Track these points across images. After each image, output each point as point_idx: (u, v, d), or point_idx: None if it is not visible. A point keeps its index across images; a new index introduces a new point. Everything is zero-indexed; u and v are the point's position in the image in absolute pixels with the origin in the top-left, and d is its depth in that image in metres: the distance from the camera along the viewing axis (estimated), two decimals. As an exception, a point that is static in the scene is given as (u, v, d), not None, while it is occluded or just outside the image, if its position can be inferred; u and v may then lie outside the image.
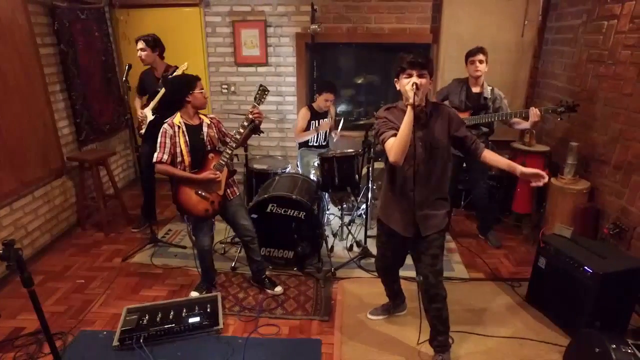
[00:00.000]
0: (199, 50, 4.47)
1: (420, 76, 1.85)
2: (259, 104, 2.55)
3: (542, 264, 2.63)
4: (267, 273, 2.95)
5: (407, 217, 2.07)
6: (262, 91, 2.56)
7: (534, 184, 1.90)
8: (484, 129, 3.25)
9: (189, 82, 2.50)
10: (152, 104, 3.36)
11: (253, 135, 2.73)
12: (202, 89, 2.55)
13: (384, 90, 4.79)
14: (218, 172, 2.55)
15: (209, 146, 2.58)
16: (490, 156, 2.02)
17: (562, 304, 2.49)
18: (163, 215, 4.09)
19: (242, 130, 2.55)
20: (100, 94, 4.06)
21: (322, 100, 3.67)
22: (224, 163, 2.55)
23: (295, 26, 4.33)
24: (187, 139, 2.51)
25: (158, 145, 2.49)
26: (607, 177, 3.06)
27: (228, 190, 2.67)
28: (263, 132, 3.62)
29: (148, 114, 3.39)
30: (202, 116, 2.63)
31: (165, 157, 2.48)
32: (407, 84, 1.84)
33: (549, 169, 3.54)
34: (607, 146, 3.06)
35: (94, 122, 3.99)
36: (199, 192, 2.56)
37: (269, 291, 2.86)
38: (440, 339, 2.21)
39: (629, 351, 1.83)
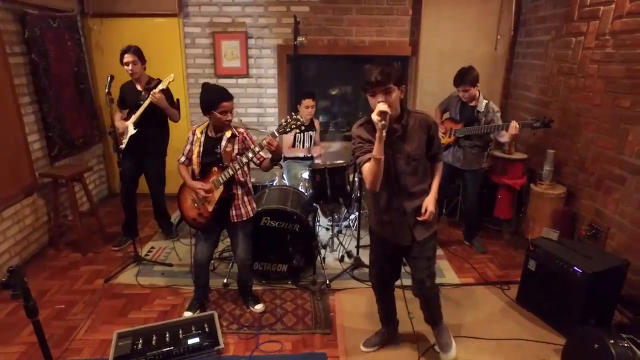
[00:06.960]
0: (178, 62, 4.35)
1: (385, 92, 1.81)
2: (280, 133, 2.38)
3: (532, 266, 2.75)
4: (260, 288, 2.88)
5: (400, 227, 2.07)
6: (295, 121, 2.33)
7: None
8: (478, 143, 3.31)
9: (212, 101, 2.40)
10: (134, 117, 3.23)
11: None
12: (227, 111, 2.42)
13: (365, 101, 4.86)
14: (205, 186, 2.49)
15: (224, 161, 2.49)
16: (434, 172, 2.13)
17: (553, 303, 2.61)
18: (143, 232, 3.90)
19: (250, 155, 2.40)
20: (73, 106, 3.85)
21: (304, 108, 3.67)
22: (221, 181, 2.48)
23: (277, 38, 4.34)
24: (201, 150, 2.53)
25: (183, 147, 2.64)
26: (581, 182, 3.27)
27: (233, 212, 2.57)
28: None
29: (130, 128, 3.25)
30: (228, 130, 2.50)
31: (182, 159, 2.63)
32: (374, 112, 1.77)
33: (527, 175, 3.73)
34: (580, 153, 3.27)
35: (66, 136, 3.76)
36: (193, 197, 2.60)
37: (250, 308, 2.79)
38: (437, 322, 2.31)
39: (626, 345, 1.94)
